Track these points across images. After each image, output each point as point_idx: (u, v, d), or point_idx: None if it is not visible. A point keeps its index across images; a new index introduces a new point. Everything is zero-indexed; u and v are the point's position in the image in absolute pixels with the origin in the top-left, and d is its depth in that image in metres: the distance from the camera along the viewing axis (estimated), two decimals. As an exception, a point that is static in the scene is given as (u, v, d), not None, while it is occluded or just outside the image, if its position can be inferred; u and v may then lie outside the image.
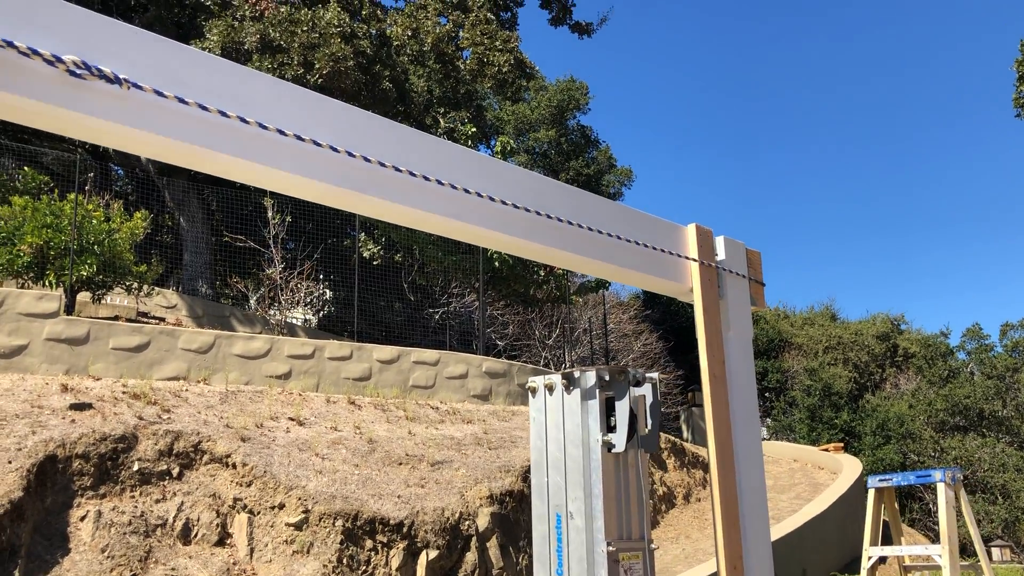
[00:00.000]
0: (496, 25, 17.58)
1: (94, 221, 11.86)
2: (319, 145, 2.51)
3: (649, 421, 2.66)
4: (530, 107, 34.78)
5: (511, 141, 17.96)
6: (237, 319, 16.50)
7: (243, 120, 2.33)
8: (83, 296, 12.23)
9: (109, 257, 11.76)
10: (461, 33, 17.42)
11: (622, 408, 2.59)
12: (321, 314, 20.79)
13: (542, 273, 17.58)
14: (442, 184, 2.77)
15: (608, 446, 2.57)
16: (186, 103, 2.21)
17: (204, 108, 2.24)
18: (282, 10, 13.91)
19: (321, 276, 19.20)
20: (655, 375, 2.70)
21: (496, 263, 16.84)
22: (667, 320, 28.53)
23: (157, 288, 14.58)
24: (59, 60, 1.95)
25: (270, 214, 14.85)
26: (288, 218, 15.06)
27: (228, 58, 14.16)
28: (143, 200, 19.04)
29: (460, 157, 2.87)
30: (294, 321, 17.05)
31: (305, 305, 17.80)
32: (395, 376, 12.48)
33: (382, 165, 2.64)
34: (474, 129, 17.53)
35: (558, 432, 2.65)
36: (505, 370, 13.93)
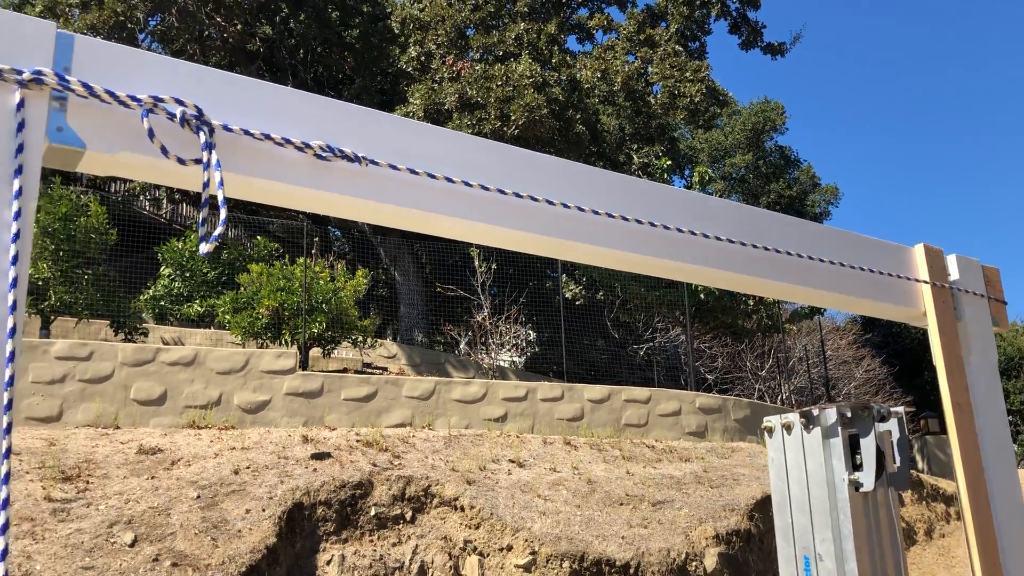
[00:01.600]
0: (685, 56, 17.50)
1: (321, 282, 12.81)
2: (535, 200, 2.60)
3: (897, 457, 2.53)
4: (723, 133, 34.14)
5: (708, 171, 17.70)
6: (451, 364, 17.16)
7: (467, 184, 2.47)
8: (314, 352, 13.19)
9: (336, 314, 12.64)
10: (650, 68, 17.47)
11: (868, 445, 2.47)
12: (526, 355, 21.22)
13: (751, 303, 17.07)
14: (655, 226, 2.79)
15: (855, 485, 2.46)
16: (416, 173, 2.37)
17: (432, 176, 2.39)
18: (477, 68, 14.53)
19: (525, 319, 19.65)
20: (900, 409, 2.56)
21: (702, 295, 16.55)
22: (889, 343, 26.85)
23: (378, 340, 15.45)
24: (308, 146, 2.15)
25: (476, 263, 15.41)
26: (494, 266, 15.57)
27: (429, 118, 15.05)
28: (359, 258, 20.34)
29: (670, 198, 2.88)
30: (502, 363, 17.51)
31: (511, 348, 18.26)
32: (607, 415, 12.50)
33: (596, 213, 2.70)
34: (669, 162, 17.43)
35: (799, 472, 2.57)
36: (719, 405, 13.59)
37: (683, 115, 17.54)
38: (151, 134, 1.74)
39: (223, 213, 1.84)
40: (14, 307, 1.42)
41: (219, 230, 1.84)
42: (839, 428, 2.52)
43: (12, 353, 1.41)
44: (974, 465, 2.94)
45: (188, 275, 14.88)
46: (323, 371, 11.90)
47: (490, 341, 14.75)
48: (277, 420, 10.48)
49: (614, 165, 18.65)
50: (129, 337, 12.51)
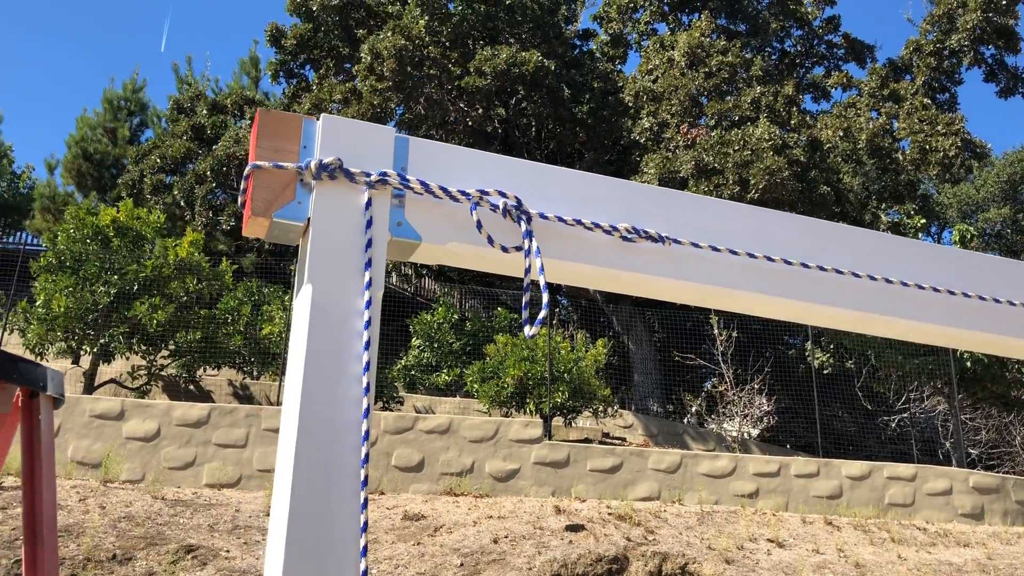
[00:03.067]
0: (934, 109, 16.48)
1: (562, 352, 13.03)
2: (841, 273, 2.50)
3: None
4: (974, 186, 31.68)
5: (970, 228, 16.39)
6: (689, 435, 16.76)
7: (769, 259, 2.42)
8: (556, 421, 13.36)
9: (578, 383, 12.77)
10: (896, 124, 16.60)
11: None
12: (761, 426, 20.33)
13: (1026, 370, 15.46)
14: (968, 296, 2.60)
15: None
16: (718, 250, 2.35)
17: (734, 252, 2.36)
18: (713, 134, 14.44)
19: (765, 388, 18.87)
20: None
21: (968, 363, 15.19)
22: None
23: (619, 410, 15.42)
24: (615, 229, 2.19)
25: (716, 331, 15.08)
26: (735, 333, 15.16)
27: (663, 186, 14.88)
28: (587, 326, 20.53)
29: (980, 265, 2.68)
30: (741, 435, 16.86)
31: (749, 418, 17.55)
32: (868, 493, 11.64)
33: (904, 284, 2.55)
34: (923, 221, 16.34)
35: None
36: (998, 485, 12.28)
37: (935, 170, 16.44)
38: (479, 225, 1.84)
39: (545, 297, 1.90)
40: (367, 389, 1.54)
41: (543, 313, 1.90)
42: None
43: (367, 432, 1.52)
44: None
45: (436, 345, 15.65)
46: (566, 440, 12.00)
47: (735, 412, 14.28)
48: (526, 489, 10.65)
49: (858, 225, 17.71)
50: (387, 406, 13.29)
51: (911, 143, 16.21)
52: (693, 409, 17.34)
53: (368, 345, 1.60)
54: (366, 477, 1.51)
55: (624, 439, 14.76)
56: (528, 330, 1.87)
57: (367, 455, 1.55)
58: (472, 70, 16.61)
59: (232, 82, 25.67)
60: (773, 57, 19.32)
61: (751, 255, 2.40)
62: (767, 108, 15.22)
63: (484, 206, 1.91)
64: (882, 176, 18.20)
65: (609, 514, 9.22)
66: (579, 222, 2.14)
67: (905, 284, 2.59)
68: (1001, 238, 31.05)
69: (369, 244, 1.68)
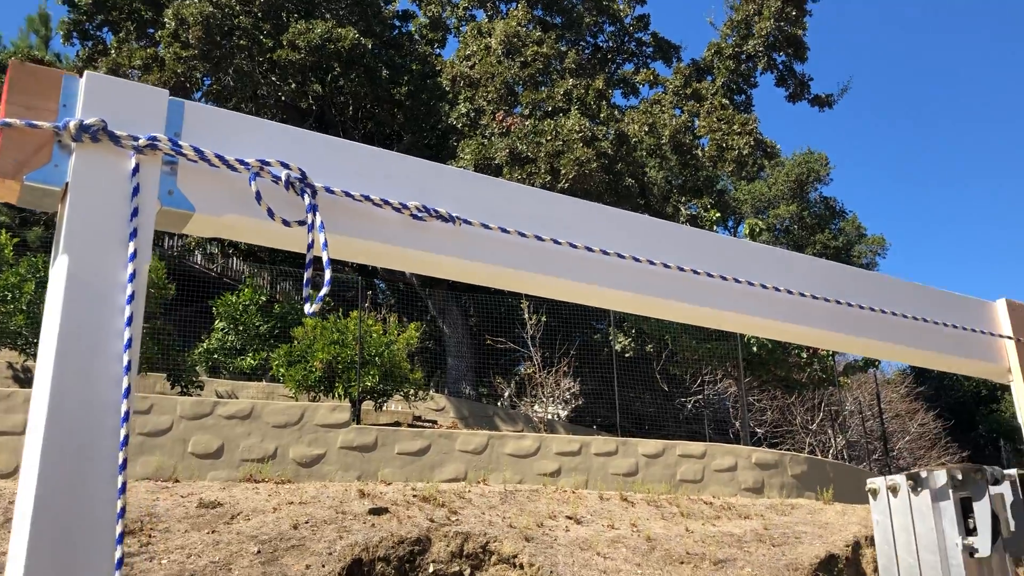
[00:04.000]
0: (732, 109, 17.56)
1: (374, 335, 12.89)
2: (623, 257, 2.60)
3: (1012, 522, 2.44)
4: (767, 184, 34.06)
5: (759, 223, 17.63)
6: (499, 417, 17.09)
7: (556, 242, 2.48)
8: (366, 405, 13.22)
9: (389, 367, 12.68)
10: (697, 122, 17.55)
11: (982, 509, 2.40)
12: (570, 408, 21.08)
13: (804, 355, 16.82)
14: (739, 282, 2.78)
15: (970, 551, 2.38)
16: (507, 232, 2.38)
17: (522, 234, 2.41)
18: (527, 123, 14.71)
19: (571, 371, 19.55)
20: (1013, 472, 2.49)
21: (754, 347, 16.35)
22: (942, 396, 26.26)
23: (430, 392, 15.46)
24: (405, 207, 2.17)
25: (526, 315, 15.42)
26: (544, 318, 15.56)
27: (479, 172, 15.04)
28: (404, 310, 20.47)
29: (753, 254, 2.87)
30: (550, 416, 17.39)
31: (557, 400, 18.13)
32: (662, 471, 12.31)
33: (681, 270, 2.69)
34: (718, 215, 17.40)
35: (907, 536, 2.49)
36: (776, 461, 13.32)
37: (731, 167, 17.53)
38: (258, 197, 1.77)
39: (328, 274, 1.86)
40: (128, 367, 1.44)
41: (325, 290, 1.85)
42: (950, 491, 2.45)
43: (127, 413, 1.44)
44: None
45: (241, 328, 15.08)
46: (376, 424, 11.91)
47: (542, 394, 14.67)
48: (332, 474, 10.48)
49: (660, 217, 18.63)
50: (185, 390, 12.67)
51: (710, 141, 17.20)
52: (506, 394, 17.69)
53: (131, 321, 1.49)
54: (124, 460, 1.42)
55: (435, 422, 14.83)
56: (308, 307, 1.81)
57: (127, 437, 1.45)
58: (286, 43, 16.07)
59: (18, 40, 23.60)
60: (586, 51, 19.92)
61: (539, 237, 2.44)
62: (579, 100, 15.68)
63: (265, 177, 1.83)
64: (683, 171, 19.21)
65: (414, 496, 9.23)
66: (368, 198, 2.10)
67: (681, 269, 2.72)
68: (789, 233, 33.54)
69: (135, 213, 1.57)
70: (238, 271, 23.23)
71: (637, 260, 2.58)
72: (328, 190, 2.02)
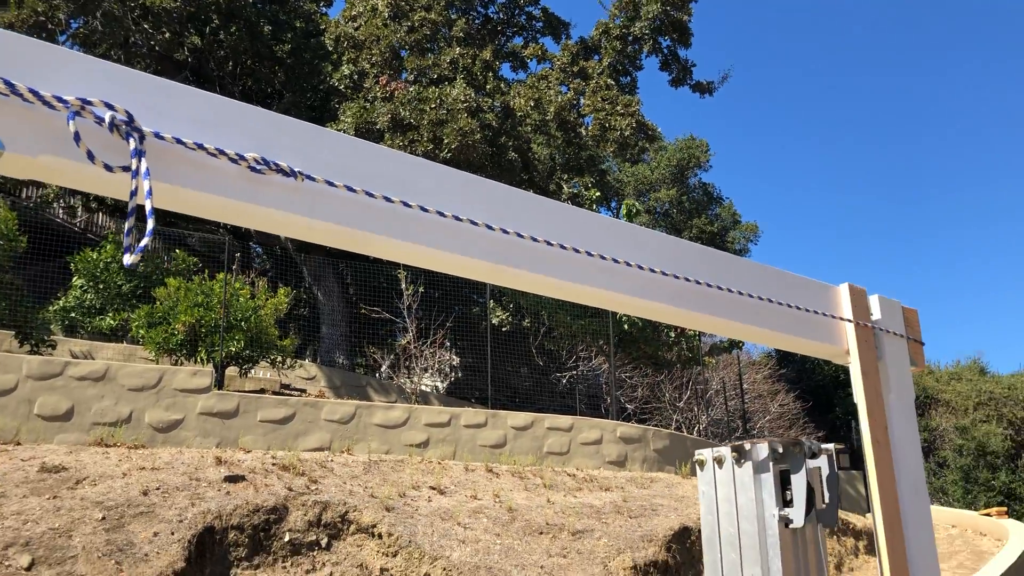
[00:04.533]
0: (616, 90, 17.78)
1: (241, 299, 12.49)
2: (475, 224, 2.57)
3: (827, 494, 2.55)
4: (650, 167, 34.79)
5: (636, 204, 17.96)
6: (373, 388, 16.92)
7: (405, 204, 2.41)
8: (231, 371, 12.83)
9: (255, 333, 12.32)
10: (582, 100, 17.69)
11: (799, 481, 2.49)
12: (449, 380, 21.10)
13: (672, 335, 17.32)
14: (591, 255, 2.78)
15: (785, 521, 2.47)
16: (354, 191, 2.30)
17: (370, 195, 2.33)
18: (411, 89, 14.49)
19: (449, 343, 19.53)
20: (830, 447, 2.60)
21: (625, 325, 16.72)
22: (803, 379, 27.58)
23: (297, 360, 15.13)
24: (242, 158, 2.07)
25: (403, 285, 15.27)
26: (421, 289, 15.45)
27: (361, 138, 14.74)
28: (281, 275, 19.97)
29: (606, 227, 2.88)
30: (424, 388, 17.35)
31: (435, 372, 18.09)
32: (530, 443, 12.46)
33: (534, 240, 2.67)
34: (598, 194, 17.65)
35: (730, 506, 2.57)
36: (640, 435, 13.70)
37: (613, 148, 17.78)
38: (77, 138, 1.65)
39: (150, 224, 1.75)
40: None
41: (145, 241, 1.75)
42: (771, 463, 2.53)
43: None
44: (891, 501, 3.00)
45: (102, 287, 14.36)
46: (239, 391, 11.58)
47: (414, 365, 14.59)
48: (190, 440, 10.13)
49: (545, 194, 18.77)
50: (35, 349, 11.98)
51: (594, 120, 17.37)
52: (383, 366, 17.52)
53: None
54: None
55: (305, 391, 14.55)
56: (127, 258, 1.70)
57: None
58: (160, -11, 15.26)
59: None
60: (476, 21, 19.74)
61: (388, 199, 2.37)
62: (465, 70, 15.55)
63: (87, 117, 1.70)
64: (567, 149, 19.37)
65: (273, 465, 9.03)
66: (201, 147, 1.98)
67: (535, 239, 2.70)
68: (668, 217, 34.41)
69: (-69, 147, 1.43)
70: (104, 226, 22.11)
71: (491, 228, 2.54)
72: (157, 136, 1.90)
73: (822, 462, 2.57)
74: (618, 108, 16.87)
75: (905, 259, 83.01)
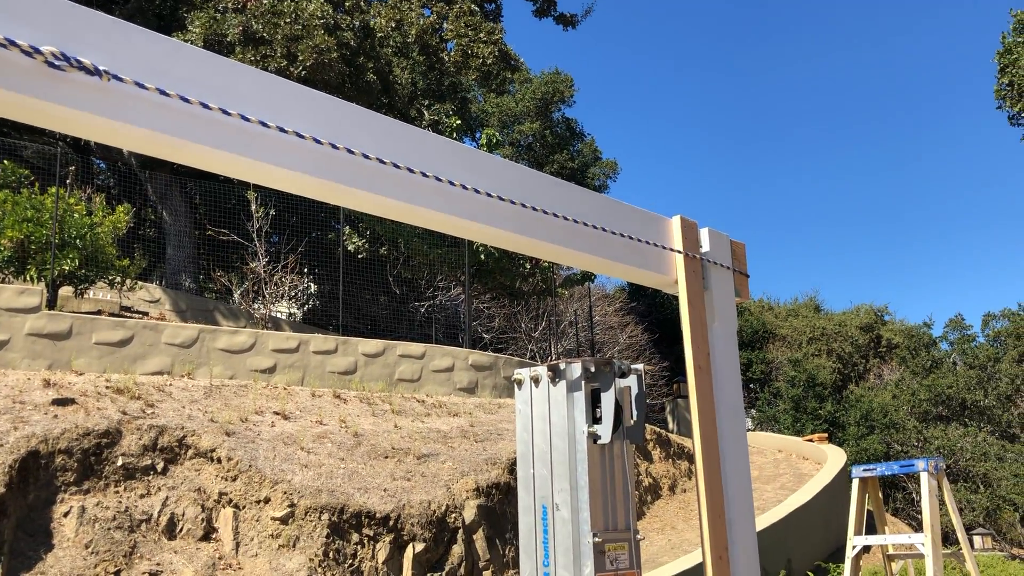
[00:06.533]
0: (480, 17, 17.53)
1: (76, 215, 11.77)
2: (302, 137, 2.49)
3: (635, 412, 2.67)
4: (515, 100, 34.72)
5: (496, 134, 17.92)
6: (222, 313, 16.43)
7: (225, 112, 2.31)
8: (65, 291, 12.14)
9: (91, 251, 11.68)
10: (445, 25, 17.37)
11: (607, 399, 2.59)
12: (306, 308, 20.73)
13: (528, 266, 17.58)
14: (427, 176, 2.76)
15: (594, 437, 2.57)
16: (167, 95, 2.19)
17: (186, 100, 2.22)
18: (264, 2, 13.81)
19: (306, 270, 19.13)
20: (640, 366, 2.71)
21: (482, 256, 16.83)
22: (652, 312, 28.63)
23: (140, 283, 14.48)
24: (37, 51, 1.92)
25: (253, 207, 14.77)
26: (272, 212, 15.00)
27: (210, 50, 13.99)
28: (125, 194, 18.90)
29: (445, 149, 2.86)
30: (279, 315, 16.98)
31: (290, 299, 17.72)
32: (381, 370, 12.46)
33: (366, 157, 2.62)
34: (459, 122, 17.49)
35: (544, 424, 2.65)
36: (491, 363, 13.93)
37: (475, 76, 17.60)
38: None
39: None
40: None
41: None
42: (583, 382, 2.62)
43: None
44: (709, 423, 3.17)
45: (-85, 197, 13.19)
46: (74, 312, 10.98)
47: (265, 291, 14.23)
48: (16, 362, 9.57)
49: (405, 119, 18.44)
50: None
51: (456, 46, 17.11)
52: (237, 293, 16.98)
53: None
54: None
55: (147, 314, 13.96)
56: None
57: None
58: None
59: None
60: (338, -66, 18.90)
61: (205, 105, 2.25)
62: (324, -15, 14.93)
63: None
64: (429, 74, 19.03)
65: (107, 388, 8.66)
66: (-11, 36, 1.82)
67: (366, 156, 2.64)
68: (531, 150, 34.54)
69: None
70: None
71: (319, 142, 2.46)
72: (-69, 18, 1.73)
73: (631, 381, 2.68)
74: (481, 35, 16.66)
75: (754, 198, 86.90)
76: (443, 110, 19.60)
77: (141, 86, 2.12)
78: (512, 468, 9.82)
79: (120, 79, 2.07)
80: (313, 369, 11.76)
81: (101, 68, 2.05)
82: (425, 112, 19.73)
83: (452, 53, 17.24)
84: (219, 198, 17.98)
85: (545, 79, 35.48)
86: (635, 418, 2.67)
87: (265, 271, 14.48)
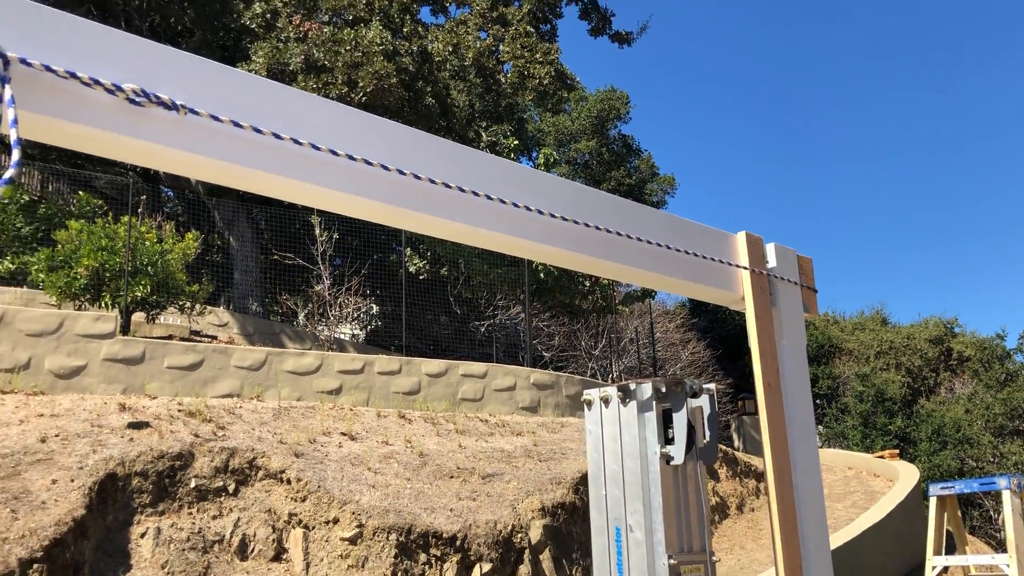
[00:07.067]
0: (536, 38, 17.64)
1: (147, 243, 12.12)
2: (371, 164, 2.53)
3: (707, 432, 2.64)
4: (570, 118, 34.76)
5: (553, 153, 17.98)
6: (287, 336, 16.71)
7: (296, 141, 2.36)
8: (138, 316, 12.49)
9: (162, 278, 12.00)
10: (501, 47, 17.51)
11: (680, 420, 2.57)
12: (368, 329, 20.96)
13: (588, 284, 17.54)
14: (491, 199, 2.77)
15: (666, 458, 2.55)
16: (241, 126, 2.24)
17: (258, 131, 2.27)
18: (326, 30, 14.11)
19: (368, 291, 19.36)
20: (712, 386, 2.68)
21: (541, 274, 16.84)
22: (714, 328, 28.27)
23: (209, 307, 14.82)
24: (119, 89, 1.99)
25: (317, 231, 15.03)
26: (335, 235, 15.24)
27: (273, 79, 14.32)
28: (193, 221, 19.40)
29: (508, 172, 2.87)
30: (343, 337, 17.21)
31: (353, 320, 17.96)
32: (444, 389, 12.53)
33: (432, 182, 2.65)
34: (517, 142, 17.60)
35: (615, 445, 2.64)
36: (553, 382, 13.90)
37: (532, 96, 17.70)
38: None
39: (15, 155, 1.69)
40: None
41: (11, 172, 1.69)
42: (654, 402, 2.60)
43: None
44: (780, 442, 3.12)
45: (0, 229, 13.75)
46: (146, 337, 11.29)
47: (329, 313, 14.45)
48: (93, 387, 9.86)
49: (463, 141, 18.62)
50: (-75, 293, 11.43)
51: (513, 67, 17.23)
52: (301, 315, 17.27)
53: None
54: None
55: (216, 337, 14.27)
56: (-6, 189, 1.65)
57: None
58: (57, -86, 14.40)
59: None
60: (394, -38, 19.24)
61: (277, 136, 2.30)
62: (382, 12, 15.20)
63: (-55, 41, 1.61)
64: (486, 96, 19.19)
65: (180, 411, 8.88)
66: (74, 75, 1.90)
67: (432, 182, 2.67)
68: (588, 168, 34.52)
69: None
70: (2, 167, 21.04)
71: (387, 168, 2.50)
72: (24, 62, 1.81)
73: (703, 401, 2.65)
74: (537, 56, 16.76)
75: (815, 212, 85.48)
76: (500, 131, 19.73)
77: (216, 119, 2.18)
78: (577, 487, 9.77)
79: (196, 112, 2.14)
80: (378, 390, 11.88)
81: (179, 102, 2.12)
82: (483, 134, 19.87)
83: (509, 75, 17.36)
84: (284, 223, 18.34)
85: (600, 96, 35.46)
86: (708, 438, 2.64)
87: (329, 294, 14.70)
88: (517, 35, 17.06)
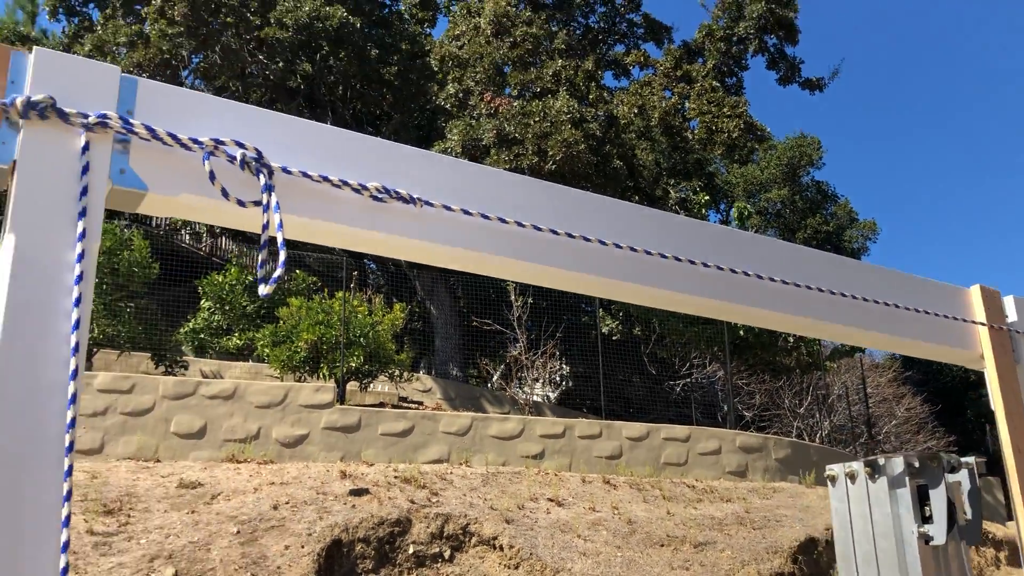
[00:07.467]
0: (722, 92, 17.50)
1: (359, 316, 12.86)
2: (588, 240, 2.57)
3: (968, 510, 2.44)
4: (759, 167, 33.98)
5: (747, 207, 17.62)
6: (486, 399, 17.10)
7: (520, 224, 2.45)
8: (351, 386, 13.21)
9: (374, 348, 12.66)
10: (687, 104, 17.49)
11: (938, 497, 2.39)
12: (560, 390, 21.10)
13: (791, 340, 16.86)
14: (708, 266, 2.75)
15: (926, 538, 2.38)
16: (470, 214, 2.35)
17: (486, 217, 2.37)
18: (515, 104, 14.63)
19: (559, 353, 19.55)
20: (971, 459, 2.49)
21: (741, 331, 16.38)
22: (930, 381, 26.34)
23: (414, 374, 15.45)
24: (364, 188, 2.14)
25: (512, 297, 15.41)
26: (530, 300, 15.55)
27: (467, 154, 15.15)
28: (395, 291, 20.42)
29: (719, 237, 2.84)
30: (536, 398, 17.41)
31: (546, 382, 18.13)
32: (646, 454, 12.35)
33: (648, 253, 2.66)
34: (707, 197, 17.38)
35: (864, 523, 2.49)
36: (760, 444, 13.37)
37: (721, 150, 17.51)
38: (212, 176, 1.75)
39: (283, 255, 1.84)
40: (76, 349, 1.43)
41: (279, 272, 1.84)
42: (906, 478, 2.44)
43: (74, 395, 1.42)
44: (1035, 512, 2.84)
45: (228, 308, 15.03)
46: (360, 405, 11.90)
47: (525, 376, 14.68)
48: (315, 454, 10.48)
49: (651, 200, 18.61)
50: (170, 370, 12.64)
51: (700, 123, 17.15)
52: (495, 376, 17.70)
53: (79, 301, 1.47)
54: (72, 442, 1.40)
55: (421, 403, 14.83)
56: (262, 289, 1.79)
57: (74, 419, 1.43)
58: (273, 21, 15.92)
59: (5, 16, 23.39)
60: (577, 32, 19.79)
61: (502, 220, 2.41)
62: (568, 82, 15.61)
63: (220, 156, 1.80)
64: (673, 153, 19.15)
65: (395, 477, 9.24)
66: (326, 179, 2.07)
67: (648, 253, 2.69)
68: (780, 217, 33.50)
69: (84, 192, 1.55)
70: (227, 250, 23.15)
71: (603, 243, 2.55)
72: (285, 170, 1.99)
73: (962, 476, 2.46)
74: (724, 110, 16.59)
75: (1039, 251, 78.34)
76: (689, 187, 19.58)
77: (448, 208, 2.30)
78: (795, 557, 9.29)
79: (430, 204, 2.27)
80: (579, 454, 11.88)
81: (415, 196, 2.25)
82: (671, 191, 19.79)
83: (696, 131, 17.27)
84: (478, 290, 18.97)
85: (790, 144, 34.48)
86: (970, 516, 2.44)
87: (525, 357, 14.97)
88: (703, 91, 17.00)
